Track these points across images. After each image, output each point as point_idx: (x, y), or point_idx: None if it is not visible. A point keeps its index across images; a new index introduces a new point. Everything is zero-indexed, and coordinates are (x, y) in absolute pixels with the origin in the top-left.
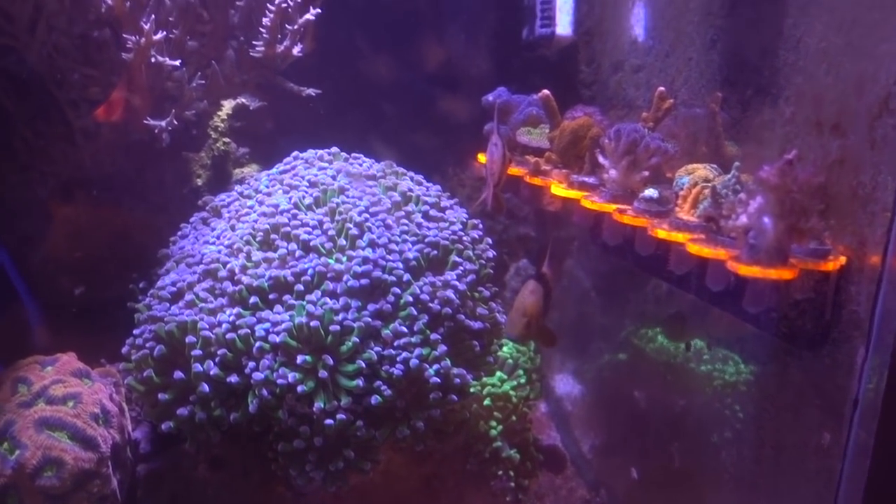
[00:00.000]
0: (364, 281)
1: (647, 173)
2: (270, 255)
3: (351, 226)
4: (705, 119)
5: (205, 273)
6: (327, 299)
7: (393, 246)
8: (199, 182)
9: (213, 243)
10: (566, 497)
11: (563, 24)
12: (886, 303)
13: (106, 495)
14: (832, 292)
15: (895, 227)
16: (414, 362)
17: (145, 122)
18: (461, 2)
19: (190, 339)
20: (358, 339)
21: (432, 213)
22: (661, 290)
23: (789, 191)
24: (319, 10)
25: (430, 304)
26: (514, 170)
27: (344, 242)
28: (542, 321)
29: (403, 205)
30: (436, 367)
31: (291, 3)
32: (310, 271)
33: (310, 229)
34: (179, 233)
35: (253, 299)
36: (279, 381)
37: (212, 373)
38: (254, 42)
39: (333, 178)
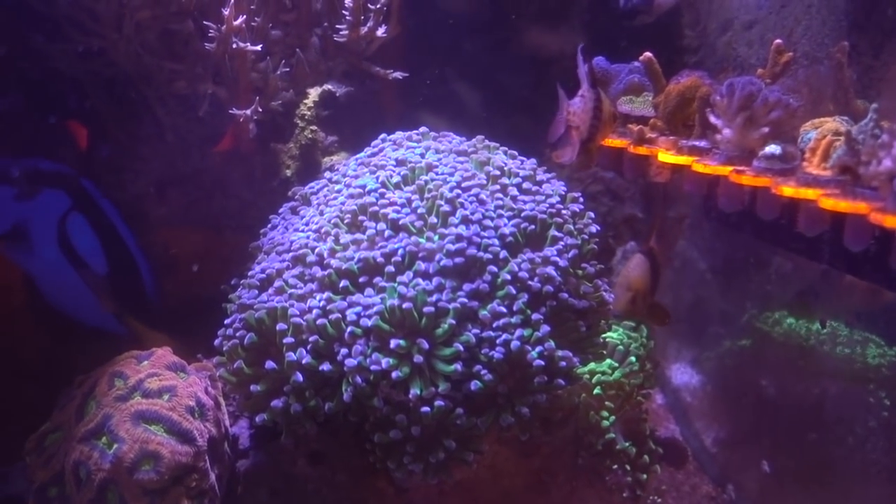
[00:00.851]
0: (458, 259)
1: (766, 130)
2: (359, 236)
3: (442, 202)
4: (830, 73)
5: (293, 259)
6: (420, 280)
7: (487, 222)
8: (289, 173)
9: (302, 230)
10: (689, 493)
11: None
12: None
13: (204, 490)
14: None
15: None
16: (515, 344)
17: (230, 111)
18: None
19: (281, 326)
20: (454, 322)
21: (528, 186)
22: (785, 268)
23: None
24: None
25: (530, 282)
26: (615, 141)
27: (435, 220)
28: (650, 297)
29: (497, 179)
30: (539, 348)
31: None
32: (400, 251)
33: (398, 208)
34: (269, 224)
35: (343, 283)
36: (373, 368)
37: (304, 361)
38: (337, 26)
39: (422, 155)
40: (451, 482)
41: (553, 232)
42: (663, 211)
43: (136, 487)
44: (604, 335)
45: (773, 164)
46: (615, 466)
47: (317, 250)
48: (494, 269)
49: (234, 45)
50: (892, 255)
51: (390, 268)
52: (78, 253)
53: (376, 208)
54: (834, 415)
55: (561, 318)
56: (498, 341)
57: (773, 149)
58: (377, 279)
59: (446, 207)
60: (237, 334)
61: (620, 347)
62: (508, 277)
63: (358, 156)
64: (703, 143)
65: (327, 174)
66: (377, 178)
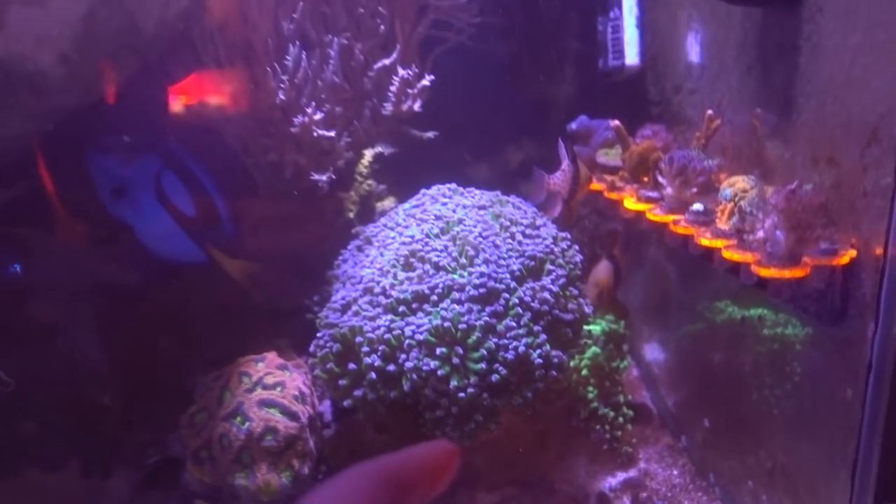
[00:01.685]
0: (482, 290)
1: (695, 190)
2: (411, 274)
3: (469, 248)
4: (748, 134)
5: (364, 290)
6: (455, 305)
7: (501, 262)
8: (351, 215)
9: (368, 267)
10: (653, 443)
11: (632, 56)
12: (888, 287)
13: (307, 452)
14: (843, 281)
15: (892, 225)
16: (522, 349)
17: (310, 177)
18: (549, 42)
19: (358, 339)
20: (480, 334)
21: (529, 231)
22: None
23: (795, 211)
24: (433, 77)
25: (532, 304)
26: (595, 185)
27: (465, 261)
28: (612, 293)
29: (507, 228)
30: (538, 351)
31: (411, 74)
32: (440, 285)
33: (439, 253)
34: (341, 257)
35: (401, 308)
36: (424, 368)
37: (376, 364)
38: (383, 103)
39: (453, 211)
40: (478, 443)
41: (548, 266)
42: (625, 231)
43: (263, 451)
44: (588, 327)
45: (697, 217)
46: (598, 427)
47: (381, 284)
48: (507, 295)
49: (315, 134)
50: (768, 289)
51: (434, 297)
52: (171, 202)
53: (423, 253)
54: (756, 381)
55: (554, 328)
56: (510, 347)
57: (697, 207)
58: (425, 305)
59: (472, 252)
60: (327, 345)
61: (602, 337)
62: (517, 301)
63: (404, 206)
64: (654, 194)
65: (382, 220)
66: (422, 230)
